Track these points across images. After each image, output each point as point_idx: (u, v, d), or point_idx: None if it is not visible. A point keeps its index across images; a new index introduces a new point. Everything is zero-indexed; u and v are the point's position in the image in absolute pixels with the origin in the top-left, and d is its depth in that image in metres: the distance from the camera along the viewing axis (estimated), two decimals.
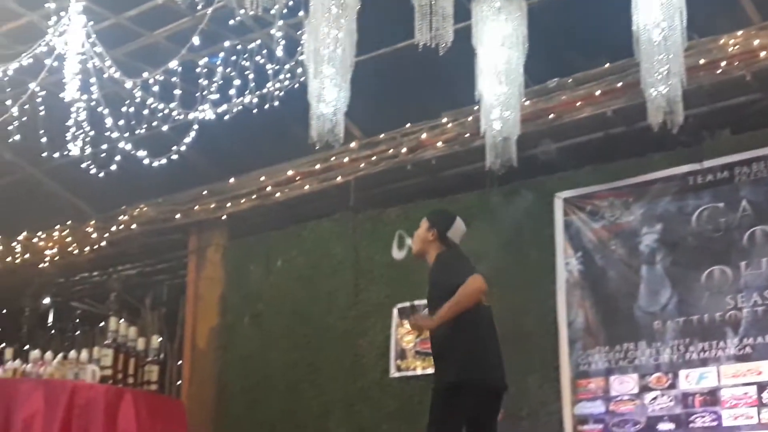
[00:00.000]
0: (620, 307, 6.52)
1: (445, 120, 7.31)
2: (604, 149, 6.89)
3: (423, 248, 5.01)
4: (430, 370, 7.12)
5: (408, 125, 7.52)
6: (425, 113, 7.42)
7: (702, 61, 6.15)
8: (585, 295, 6.68)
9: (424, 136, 7.39)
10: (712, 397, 6.02)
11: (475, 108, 6.33)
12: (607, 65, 6.64)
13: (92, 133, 6.89)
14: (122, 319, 6.93)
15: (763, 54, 6.06)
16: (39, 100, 6.87)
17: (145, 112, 6.79)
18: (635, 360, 6.36)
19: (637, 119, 6.29)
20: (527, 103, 6.48)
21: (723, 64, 6.17)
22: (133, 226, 9.18)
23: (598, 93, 6.60)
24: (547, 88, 6.83)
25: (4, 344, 7.80)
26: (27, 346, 8.29)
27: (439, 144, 7.32)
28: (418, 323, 4.98)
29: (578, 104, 6.70)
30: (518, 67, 5.51)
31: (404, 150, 7.47)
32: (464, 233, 5.12)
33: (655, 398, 6.22)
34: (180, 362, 8.95)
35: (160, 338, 7.61)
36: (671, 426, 6.11)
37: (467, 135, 7.09)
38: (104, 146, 7.15)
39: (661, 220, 6.50)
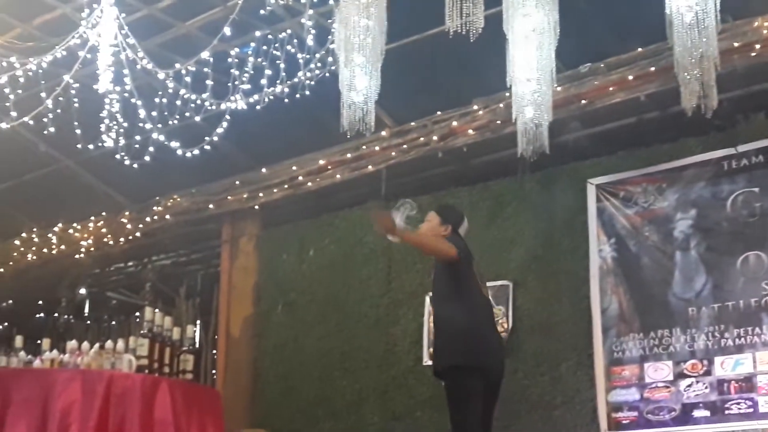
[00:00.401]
0: (654, 294, 6.48)
1: (476, 107, 7.28)
2: (637, 134, 6.84)
3: None
4: None
5: (439, 113, 7.50)
6: (456, 100, 7.40)
7: (736, 44, 6.07)
8: (619, 281, 6.64)
9: (455, 123, 7.37)
10: (747, 384, 5.97)
11: (507, 94, 6.29)
12: (640, 49, 6.56)
13: (126, 124, 6.95)
14: (157, 309, 6.97)
15: None
16: (73, 92, 6.92)
17: (178, 102, 6.82)
18: (670, 347, 6.32)
19: (670, 104, 6.23)
20: (559, 88, 6.42)
21: (758, 46, 6.08)
22: (167, 216, 9.25)
23: (630, 78, 6.54)
24: (579, 73, 6.77)
25: (41, 335, 7.90)
26: (64, 337, 8.40)
27: (471, 131, 7.29)
28: (382, 220, 4.89)
29: (611, 89, 6.65)
30: (550, 53, 5.46)
31: (435, 138, 7.46)
32: (468, 231, 5.30)
33: (690, 385, 6.18)
34: (215, 351, 9.03)
35: (195, 327, 7.66)
36: (706, 413, 6.07)
37: (498, 122, 7.06)
38: (138, 137, 7.19)
39: (696, 205, 6.44)
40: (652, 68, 6.41)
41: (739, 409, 5.95)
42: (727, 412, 6.00)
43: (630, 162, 6.83)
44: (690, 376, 6.19)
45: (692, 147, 6.57)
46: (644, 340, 6.43)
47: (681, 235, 6.46)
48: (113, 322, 10.21)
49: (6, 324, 10.67)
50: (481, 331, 4.91)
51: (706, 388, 6.11)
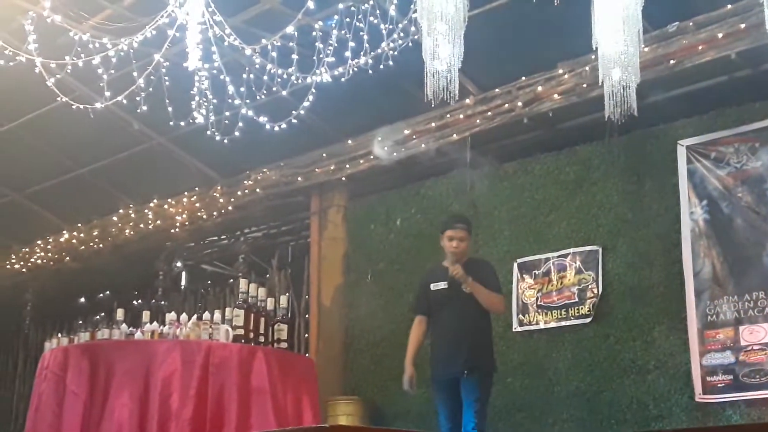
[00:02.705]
0: (749, 256, 6.36)
1: (561, 71, 7.20)
2: (727, 93, 6.68)
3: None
4: (553, 324, 7.19)
5: (523, 78, 7.44)
6: (541, 65, 7.33)
7: None
8: (711, 244, 6.53)
9: (540, 88, 7.31)
10: None
11: (592, 57, 6.22)
12: (729, 6, 6.39)
13: (215, 100, 7.06)
14: (251, 281, 7.11)
15: None
16: (163, 70, 7.06)
17: (265, 77, 6.90)
18: (766, 309, 6.20)
19: (762, 61, 6.09)
20: (646, 49, 6.32)
21: None
22: (257, 189, 9.42)
23: (720, 36, 6.38)
24: (667, 32, 6.64)
25: (141, 308, 8.15)
26: (163, 309, 8.65)
27: (556, 96, 7.22)
28: (460, 273, 5.81)
29: (700, 48, 6.50)
30: (636, 13, 5.36)
31: (520, 104, 7.41)
32: None
33: None
34: (307, 319, 9.18)
35: (288, 297, 7.81)
36: None
37: (585, 85, 6.97)
38: (227, 113, 7.32)
39: None
40: (743, 25, 6.25)
41: None
42: None
43: (721, 122, 6.69)
44: None
45: None
46: (739, 302, 6.32)
47: None
48: (209, 294, 10.50)
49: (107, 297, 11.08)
50: None
51: None
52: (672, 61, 6.61)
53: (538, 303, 7.35)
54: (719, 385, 6.28)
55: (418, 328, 6.11)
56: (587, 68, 6.85)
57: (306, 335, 9.21)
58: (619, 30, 5.31)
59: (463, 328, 5.81)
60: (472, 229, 6.29)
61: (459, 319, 5.84)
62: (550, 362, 7.16)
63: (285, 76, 6.78)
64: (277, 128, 7.36)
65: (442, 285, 5.91)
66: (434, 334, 6.02)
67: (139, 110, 7.32)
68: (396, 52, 6.50)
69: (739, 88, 6.61)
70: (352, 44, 6.58)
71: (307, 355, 8.60)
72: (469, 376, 5.71)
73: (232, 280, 10.06)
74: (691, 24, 6.55)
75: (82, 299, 11.84)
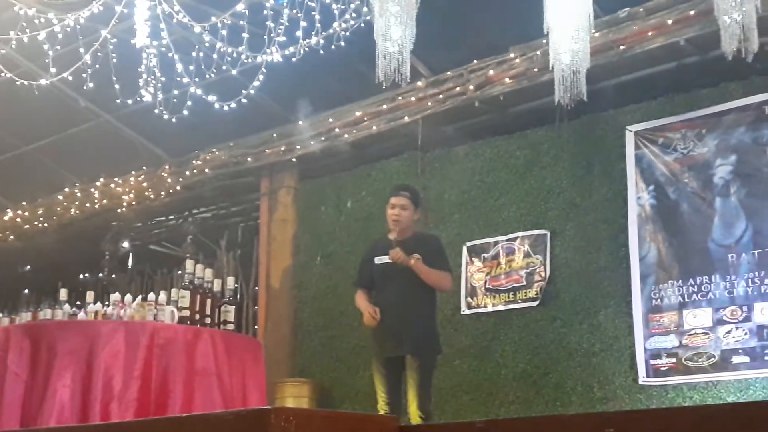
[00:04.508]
0: (694, 241, 6.44)
1: (512, 55, 7.22)
2: (676, 80, 6.75)
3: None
4: (501, 307, 7.23)
5: (475, 61, 7.45)
6: (493, 49, 7.33)
7: None
8: (657, 229, 6.60)
9: (491, 72, 7.32)
10: None
11: (544, 42, 6.23)
12: None
13: (163, 78, 6.97)
14: (198, 262, 7.05)
15: None
16: (111, 47, 6.95)
17: (214, 56, 6.82)
18: (709, 293, 6.29)
19: (710, 48, 6.14)
20: (597, 34, 6.36)
21: None
22: (207, 170, 9.33)
23: (670, 22, 6.43)
24: (617, 18, 6.67)
25: (85, 288, 8.04)
26: (107, 290, 8.54)
27: (507, 80, 7.24)
28: (401, 257, 5.61)
29: (650, 34, 6.55)
30: None
31: (472, 87, 7.41)
32: None
33: (729, 331, 6.16)
34: (256, 301, 9.14)
35: (236, 279, 7.75)
36: (746, 359, 6.06)
37: (536, 69, 6.99)
38: (175, 91, 7.23)
39: (736, 151, 6.37)
40: (692, 12, 6.31)
41: None
42: (766, 357, 5.98)
43: (669, 108, 6.76)
44: (729, 323, 6.17)
45: (733, 91, 6.48)
46: (683, 287, 6.41)
47: (721, 181, 6.40)
48: (156, 275, 10.39)
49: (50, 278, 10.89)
50: None
51: (745, 334, 6.09)
52: (622, 47, 6.65)
53: (487, 286, 7.39)
54: (662, 368, 6.37)
55: (361, 300, 5.90)
56: (538, 53, 6.87)
57: (255, 317, 9.16)
58: (570, 15, 5.33)
59: (407, 306, 5.64)
60: (423, 210, 6.22)
61: (403, 296, 5.66)
62: (498, 345, 7.21)
63: (235, 55, 6.70)
64: (226, 108, 7.29)
65: (386, 259, 5.70)
66: (378, 311, 5.76)
67: (85, 87, 7.21)
68: (348, 33, 6.46)
69: (687, 75, 6.67)
70: (303, 24, 6.51)
71: (255, 337, 8.56)
72: (413, 357, 5.57)
73: (180, 261, 9.96)
74: (641, 10, 6.59)
75: (26, 279, 11.65)
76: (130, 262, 10.83)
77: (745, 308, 6.13)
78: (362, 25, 6.22)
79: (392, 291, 5.72)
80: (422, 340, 5.66)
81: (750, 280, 6.13)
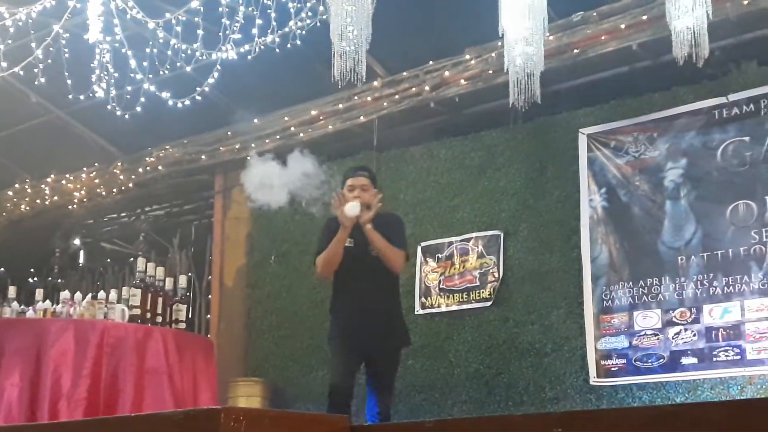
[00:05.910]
0: (644, 243, 6.52)
1: (468, 56, 7.25)
2: (628, 84, 6.82)
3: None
4: (455, 307, 7.26)
5: (431, 62, 7.47)
6: (448, 50, 7.36)
7: None
8: (609, 231, 6.68)
9: (447, 73, 7.35)
10: (735, 332, 6.03)
11: (499, 44, 6.27)
12: None
13: (116, 74, 6.90)
14: (151, 260, 7.00)
15: None
16: (63, 42, 6.87)
17: (169, 52, 6.76)
18: (659, 295, 6.38)
19: (662, 53, 6.22)
20: (551, 37, 6.41)
21: None
22: (160, 167, 9.25)
23: (623, 26, 6.51)
24: (571, 22, 6.74)
25: (34, 285, 7.94)
26: (57, 287, 8.43)
27: (463, 81, 7.27)
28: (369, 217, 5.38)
29: (603, 38, 6.62)
30: (542, 2, 5.43)
31: (427, 88, 7.43)
32: None
33: (678, 333, 6.25)
34: (209, 300, 9.08)
35: (189, 278, 7.70)
36: (694, 360, 6.15)
37: (491, 71, 7.04)
38: (129, 88, 7.15)
39: (686, 154, 6.46)
40: (645, 17, 6.38)
41: (727, 356, 6.03)
42: (714, 359, 6.07)
43: (621, 111, 6.83)
44: (678, 324, 6.26)
45: (684, 96, 6.57)
46: (633, 288, 6.48)
47: (671, 184, 6.49)
48: (107, 273, 10.28)
49: None
50: None
51: (694, 335, 6.18)
52: (575, 50, 6.72)
53: (441, 286, 7.41)
54: (613, 369, 6.44)
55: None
56: (494, 54, 6.92)
57: (207, 316, 9.10)
58: (525, 17, 5.37)
59: (374, 295, 5.37)
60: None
61: (369, 284, 5.38)
62: (451, 345, 7.24)
63: (189, 51, 6.65)
64: (180, 105, 7.23)
65: (348, 243, 5.45)
66: (341, 299, 5.51)
67: (36, 82, 7.11)
68: (304, 32, 6.44)
69: (639, 79, 6.76)
70: (259, 21, 6.48)
71: (207, 336, 8.51)
72: (383, 351, 5.36)
73: (131, 259, 9.87)
74: (595, 14, 6.66)
75: None
76: (80, 260, 10.70)
77: (693, 310, 6.22)
78: (318, 24, 6.21)
79: (357, 279, 5.42)
80: (395, 331, 5.48)
81: (699, 282, 6.22)
